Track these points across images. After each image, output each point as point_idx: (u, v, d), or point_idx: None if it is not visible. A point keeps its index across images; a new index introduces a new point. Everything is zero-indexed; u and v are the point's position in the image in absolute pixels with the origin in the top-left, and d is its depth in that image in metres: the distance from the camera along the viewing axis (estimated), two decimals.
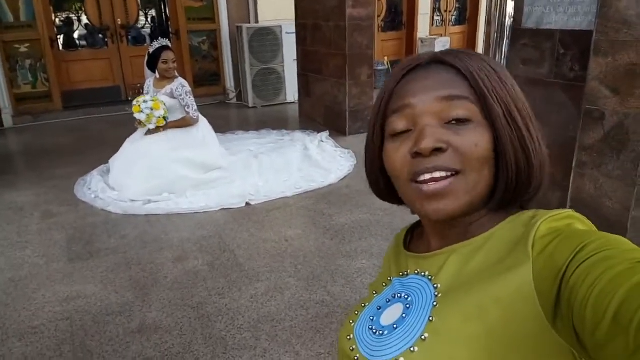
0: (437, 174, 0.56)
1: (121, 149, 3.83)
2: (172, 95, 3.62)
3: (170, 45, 3.75)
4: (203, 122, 3.91)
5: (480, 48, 8.80)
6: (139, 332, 2.16)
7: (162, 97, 3.62)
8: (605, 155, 2.22)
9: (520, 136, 0.58)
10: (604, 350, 0.43)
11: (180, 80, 3.69)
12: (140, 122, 3.58)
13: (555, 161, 2.87)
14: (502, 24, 6.97)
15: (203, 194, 3.58)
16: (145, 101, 3.49)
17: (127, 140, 3.85)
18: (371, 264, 2.66)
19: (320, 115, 5.56)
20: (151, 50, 3.67)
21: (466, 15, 9.56)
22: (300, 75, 5.87)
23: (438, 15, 9.23)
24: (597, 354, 0.45)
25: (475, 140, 0.57)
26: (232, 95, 7.00)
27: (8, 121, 5.85)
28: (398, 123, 0.60)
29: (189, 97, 3.65)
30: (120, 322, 2.23)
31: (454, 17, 9.47)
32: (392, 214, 3.15)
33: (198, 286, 2.50)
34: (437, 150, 0.56)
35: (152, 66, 3.70)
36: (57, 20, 6.34)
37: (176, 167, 3.61)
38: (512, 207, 0.62)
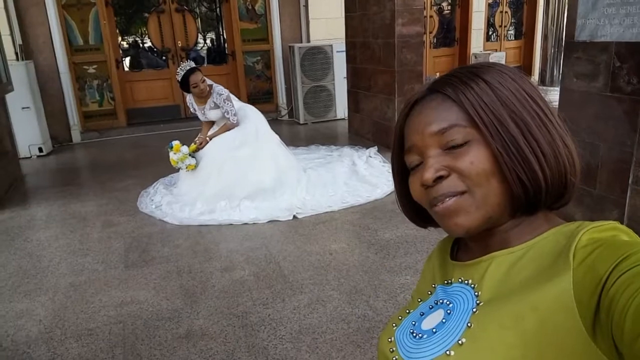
0: (447, 200, 0.61)
1: None
2: (216, 108, 3.81)
3: (194, 64, 3.76)
4: (254, 116, 4.06)
5: (537, 63, 8.56)
6: (185, 337, 2.24)
7: (209, 112, 3.81)
8: None
9: (516, 146, 0.58)
10: None
11: (216, 89, 3.79)
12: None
13: (611, 178, 2.74)
14: (559, 38, 6.77)
15: (255, 207, 3.69)
16: (181, 160, 3.78)
17: None
18: (415, 280, 2.63)
19: (369, 131, 5.59)
20: (178, 77, 3.71)
21: (522, 30, 9.34)
22: (350, 92, 5.94)
23: (493, 31, 9.08)
24: None
25: (471, 159, 0.59)
26: (284, 112, 7.17)
27: (76, 137, 6.28)
28: (411, 159, 0.66)
29: (227, 104, 3.79)
30: (169, 327, 2.33)
31: (509, 32, 9.28)
32: (439, 230, 3.09)
33: (243, 296, 2.57)
34: (440, 178, 0.61)
35: (186, 90, 3.80)
36: (122, 43, 6.78)
37: (239, 166, 3.78)
38: (538, 211, 0.62)
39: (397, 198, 0.74)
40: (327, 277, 2.71)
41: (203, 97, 3.83)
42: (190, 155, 3.83)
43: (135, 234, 3.41)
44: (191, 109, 3.99)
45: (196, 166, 3.85)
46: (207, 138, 3.91)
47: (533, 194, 0.60)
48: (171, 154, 3.81)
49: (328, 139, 5.69)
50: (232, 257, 3.01)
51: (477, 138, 0.60)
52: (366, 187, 3.96)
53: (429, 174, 0.60)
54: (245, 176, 3.77)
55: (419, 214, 0.71)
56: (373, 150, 4.82)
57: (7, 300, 2.61)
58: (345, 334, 2.22)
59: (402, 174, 0.70)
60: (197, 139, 3.99)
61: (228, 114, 3.82)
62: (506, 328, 0.53)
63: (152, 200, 3.98)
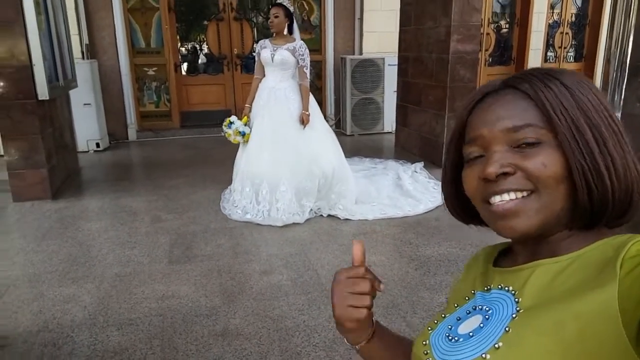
0: (507, 196, 0.59)
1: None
2: (293, 52, 3.80)
3: (282, 1, 3.86)
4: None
5: (597, 86, 8.23)
6: (221, 335, 2.28)
7: (281, 50, 3.81)
8: None
9: (591, 157, 0.57)
10: None
11: (302, 42, 3.89)
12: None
13: None
14: (622, 62, 6.48)
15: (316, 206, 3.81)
16: (234, 131, 3.97)
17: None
18: None
19: (416, 145, 5.53)
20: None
21: (583, 52, 9.02)
22: (399, 106, 5.91)
23: (551, 52, 8.82)
24: None
25: (544, 161, 0.57)
26: (332, 122, 7.21)
27: (133, 135, 6.56)
28: (471, 151, 0.64)
29: (308, 58, 3.85)
30: (206, 324, 2.37)
31: (569, 54, 8.98)
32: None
33: (280, 300, 2.58)
34: (504, 174, 0.58)
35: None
36: (181, 48, 7.04)
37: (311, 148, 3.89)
38: (596, 227, 0.60)
39: (443, 189, 0.73)
40: None
41: (277, 32, 3.86)
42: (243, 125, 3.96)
43: (181, 231, 3.51)
44: (258, 49, 3.95)
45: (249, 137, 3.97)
46: (306, 112, 3.82)
47: (599, 208, 0.58)
48: (232, 137, 4.00)
49: (374, 152, 5.68)
50: (271, 260, 3.04)
51: (550, 141, 0.58)
52: (410, 201, 3.90)
53: (494, 168, 0.58)
54: (316, 159, 3.84)
55: (464, 208, 0.70)
56: (419, 165, 4.76)
57: (57, 284, 2.74)
58: None
59: (456, 164, 0.69)
60: (245, 110, 4.06)
61: (307, 69, 3.86)
62: (545, 334, 0.52)
63: (236, 206, 3.86)
